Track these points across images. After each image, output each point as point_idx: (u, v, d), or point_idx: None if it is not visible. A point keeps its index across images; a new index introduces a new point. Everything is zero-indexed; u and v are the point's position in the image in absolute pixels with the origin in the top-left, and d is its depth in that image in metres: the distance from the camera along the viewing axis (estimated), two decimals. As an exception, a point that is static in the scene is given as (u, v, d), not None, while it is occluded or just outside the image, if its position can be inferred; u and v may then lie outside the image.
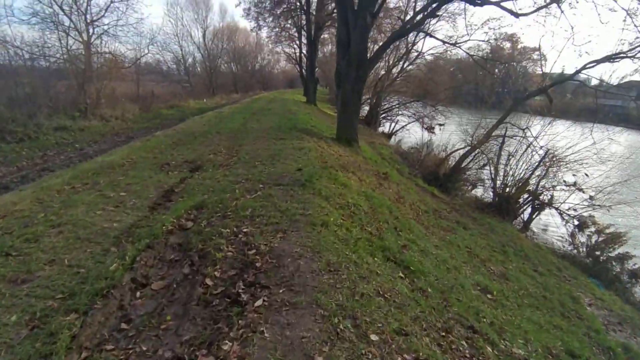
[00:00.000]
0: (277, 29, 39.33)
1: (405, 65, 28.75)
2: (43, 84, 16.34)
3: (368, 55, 11.88)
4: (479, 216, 8.83)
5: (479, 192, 13.51)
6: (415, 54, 27.81)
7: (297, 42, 41.16)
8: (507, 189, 10.02)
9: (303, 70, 42.83)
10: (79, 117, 15.84)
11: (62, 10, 21.57)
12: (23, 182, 8.07)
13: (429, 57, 30.08)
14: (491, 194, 10.76)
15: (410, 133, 27.26)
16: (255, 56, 58.89)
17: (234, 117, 13.81)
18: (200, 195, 4.41)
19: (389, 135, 26.12)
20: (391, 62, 30.52)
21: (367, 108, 33.53)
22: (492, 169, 10.73)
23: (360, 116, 33.32)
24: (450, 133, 23.41)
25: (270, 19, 31.00)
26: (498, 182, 10.34)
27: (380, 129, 30.16)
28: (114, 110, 18.30)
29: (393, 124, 28.11)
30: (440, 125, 28.80)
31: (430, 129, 28.82)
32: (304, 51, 42.88)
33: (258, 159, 6.70)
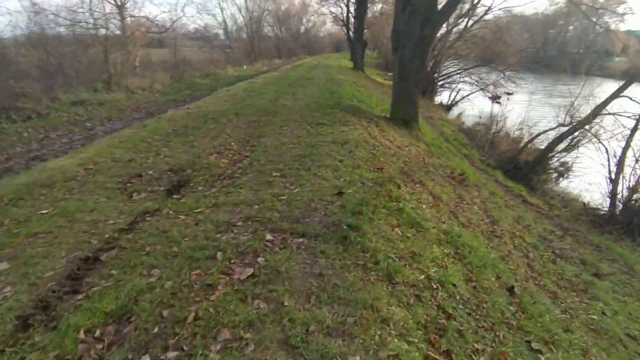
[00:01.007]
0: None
1: (469, 24, 24.43)
2: (70, 53, 14.93)
3: (438, 4, 8.87)
4: (597, 239, 6.03)
5: (572, 188, 10.34)
6: (483, 9, 23.39)
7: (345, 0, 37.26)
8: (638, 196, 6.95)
9: (350, 33, 39.06)
10: (102, 89, 14.32)
11: (93, -30, 19.94)
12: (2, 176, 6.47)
13: (498, 13, 25.43)
14: (606, 200, 7.64)
15: (472, 104, 23.48)
16: (299, 18, 55.32)
17: (266, 89, 11.46)
18: (135, 280, 2.23)
19: (448, 107, 22.57)
20: (452, 19, 26.20)
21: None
22: (610, 164, 7.54)
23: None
24: (521, 105, 19.57)
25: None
26: (623, 186, 7.22)
27: (437, 99, 26.49)
28: (142, 80, 16.66)
29: (452, 94, 24.34)
30: (509, 94, 24.67)
31: (496, 99, 24.81)
32: (352, 10, 38.89)
33: (279, 164, 4.38)
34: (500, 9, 24.53)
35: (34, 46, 14.76)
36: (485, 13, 23.02)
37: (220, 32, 37.91)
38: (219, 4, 36.28)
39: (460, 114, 21.15)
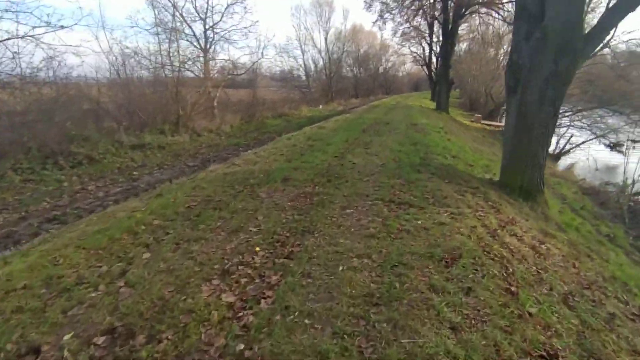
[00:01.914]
0: (403, 25, 34.02)
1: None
2: (148, 95, 14.71)
3: (584, 28, 6.09)
4: None
5: None
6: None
7: (427, 39, 35.16)
8: None
9: (432, 72, 36.53)
10: (169, 132, 13.60)
11: (183, 17, 20.54)
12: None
13: (619, 47, 20.98)
14: None
15: (585, 153, 19.01)
16: (379, 59, 54.39)
17: (334, 138, 9.37)
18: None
19: (556, 157, 18.47)
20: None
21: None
22: None
23: (502, 126, 25.88)
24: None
25: (397, 10, 26.00)
26: None
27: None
28: (210, 122, 15.90)
29: (559, 140, 20.10)
30: (634, 142, 19.69)
31: (616, 147, 19.98)
32: (435, 49, 36.55)
33: (326, 323, 2.06)
34: (623, 41, 20.12)
35: (118, 87, 14.87)
36: (605, 45, 18.91)
37: (301, 73, 38.03)
38: (300, 46, 36.21)
39: (571, 166, 16.97)
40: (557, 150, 18.88)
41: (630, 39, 19.21)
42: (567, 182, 12.25)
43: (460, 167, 7.34)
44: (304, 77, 38.15)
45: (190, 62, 21.08)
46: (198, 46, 21.66)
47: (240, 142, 13.50)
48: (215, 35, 22.75)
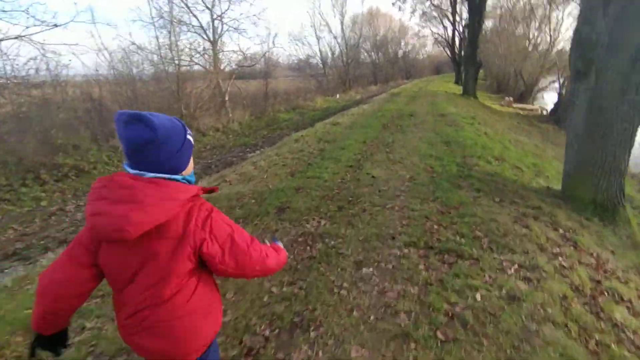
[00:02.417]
0: (424, 3, 31.63)
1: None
2: (149, 93, 13.62)
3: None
4: None
5: None
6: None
7: (450, 17, 32.65)
8: None
9: (455, 53, 34.03)
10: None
11: (188, 7, 19.29)
12: None
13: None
14: None
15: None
16: (397, 42, 51.79)
17: (349, 138, 7.87)
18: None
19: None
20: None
21: (551, 96, 23.46)
22: None
23: (536, 109, 23.27)
24: None
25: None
26: None
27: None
28: (218, 119, 14.68)
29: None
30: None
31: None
32: (458, 28, 33.95)
33: None
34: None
35: (116, 86, 13.85)
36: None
37: (316, 60, 36.31)
38: (315, 33, 34.40)
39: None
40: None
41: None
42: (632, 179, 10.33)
43: (508, 173, 5.77)
44: (320, 65, 36.42)
45: (198, 55, 19.97)
46: (205, 37, 20.45)
47: (248, 141, 12.22)
48: (224, 26, 21.50)
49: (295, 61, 37.11)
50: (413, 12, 31.58)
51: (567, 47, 25.78)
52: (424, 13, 32.57)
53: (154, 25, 12.99)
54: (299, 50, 34.62)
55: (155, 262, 1.01)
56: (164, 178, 1.01)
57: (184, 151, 1.07)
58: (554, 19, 25.78)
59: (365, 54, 45.72)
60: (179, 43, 15.74)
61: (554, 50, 26.07)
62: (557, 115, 19.21)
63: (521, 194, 4.88)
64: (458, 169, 5.47)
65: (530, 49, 29.09)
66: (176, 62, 13.47)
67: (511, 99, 23.55)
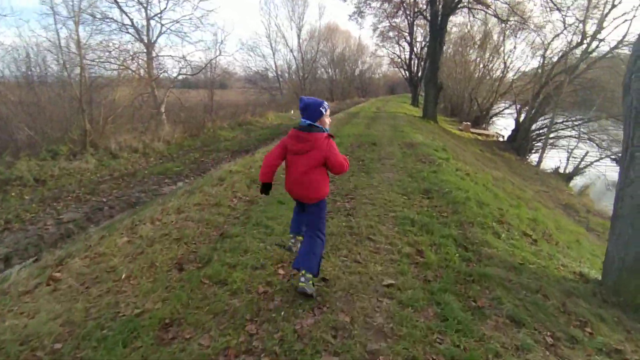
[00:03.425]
0: (383, 22, 30.71)
1: (580, 63, 17.48)
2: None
3: None
4: None
5: None
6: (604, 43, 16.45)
7: (408, 38, 32.01)
8: None
9: (413, 74, 33.40)
10: (68, 154, 9.44)
11: (117, 3, 16.25)
12: None
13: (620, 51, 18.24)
14: None
15: (596, 169, 16.11)
16: (355, 60, 51.10)
17: None
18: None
19: (568, 177, 15.43)
20: (556, 52, 19.45)
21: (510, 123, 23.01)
22: None
23: (493, 135, 22.64)
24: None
25: (377, 3, 22.59)
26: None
27: (532, 158, 19.35)
28: (138, 137, 11.77)
29: (564, 155, 17.13)
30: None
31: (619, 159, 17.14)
32: (415, 49, 33.45)
33: None
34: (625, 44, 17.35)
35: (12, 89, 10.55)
36: (619, 44, 16.04)
37: (271, 73, 34.03)
38: (271, 44, 32.21)
39: (585, 189, 13.94)
40: (567, 170, 15.87)
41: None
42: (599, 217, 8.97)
43: (526, 253, 3.75)
44: (275, 78, 34.20)
45: (129, 59, 16.91)
46: (137, 38, 17.39)
47: (172, 167, 9.51)
48: (162, 27, 18.57)
49: (249, 73, 34.56)
50: (374, 29, 30.47)
51: (520, 73, 25.73)
52: (382, 32, 31.65)
53: (55, 18, 9.91)
54: (250, 61, 32.08)
55: (309, 159, 2.41)
56: (315, 125, 2.44)
57: (318, 114, 2.44)
58: (508, 46, 25.69)
59: (322, 69, 44.32)
60: (90, 41, 12.72)
61: (508, 76, 25.94)
62: (517, 143, 18.41)
63: (566, 306, 2.83)
64: (461, 254, 3.34)
65: (484, 74, 28.99)
66: (81, 64, 10.40)
67: (469, 123, 22.75)
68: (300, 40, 34.14)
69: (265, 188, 2.65)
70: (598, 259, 5.00)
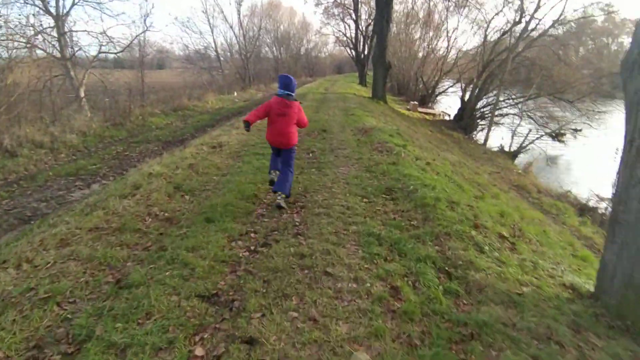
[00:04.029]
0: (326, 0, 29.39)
1: (523, 39, 17.74)
2: None
3: None
4: None
5: None
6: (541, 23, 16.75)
7: (353, 15, 31.00)
8: None
9: (361, 53, 32.63)
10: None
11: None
12: None
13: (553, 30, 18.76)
14: None
15: (535, 145, 16.65)
16: (300, 39, 49.30)
17: (227, 186, 4.42)
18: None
19: (514, 155, 15.71)
20: (495, 30, 19.65)
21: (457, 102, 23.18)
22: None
23: (439, 114, 22.79)
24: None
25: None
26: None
27: (478, 136, 19.68)
28: (45, 131, 9.77)
29: (507, 134, 17.48)
30: (576, 130, 17.95)
31: (558, 137, 18.06)
32: (361, 28, 32.59)
33: None
34: (562, 23, 17.84)
35: None
36: (556, 22, 16.35)
37: (210, 52, 31.40)
38: (208, 20, 29.53)
39: (529, 166, 14.26)
40: (512, 147, 16.17)
41: (580, 17, 16.95)
42: (563, 203, 8.97)
43: (514, 270, 3.09)
44: (215, 57, 31.68)
45: (32, 34, 14.24)
46: (43, 11, 14.60)
47: (86, 165, 7.88)
48: (74, -3, 15.77)
49: (186, 51, 31.58)
50: (318, 4, 29.04)
51: (464, 52, 25.94)
52: (325, 9, 30.32)
53: None
54: (186, 38, 29.31)
55: (288, 119, 3.75)
56: (292, 95, 3.81)
57: (294, 88, 3.84)
58: (452, 24, 25.71)
59: (267, 48, 42.17)
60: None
61: (451, 54, 26.12)
62: (464, 122, 18.53)
63: (583, 352, 2.18)
64: (445, 287, 2.56)
65: (428, 52, 29.01)
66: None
67: (416, 103, 22.61)
68: (241, 16, 31.77)
69: (247, 125, 3.68)
70: (573, 258, 4.58)
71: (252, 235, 3.22)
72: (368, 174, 5.12)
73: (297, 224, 3.45)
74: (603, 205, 9.76)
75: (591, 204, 9.72)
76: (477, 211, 4.41)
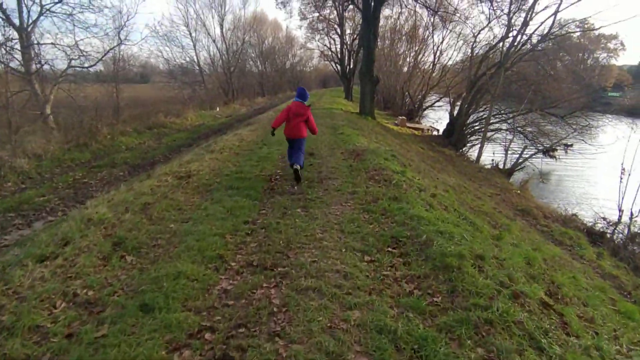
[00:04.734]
0: (312, 14, 28.82)
1: (512, 54, 17.27)
2: None
3: None
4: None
5: None
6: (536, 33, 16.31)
7: (338, 30, 30.50)
8: None
9: (345, 68, 32.06)
10: None
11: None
12: None
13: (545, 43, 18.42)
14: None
15: (531, 162, 16.04)
16: (285, 53, 48.67)
17: (183, 244, 3.34)
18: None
19: (509, 173, 14.99)
20: (483, 47, 19.24)
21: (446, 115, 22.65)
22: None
23: (428, 129, 22.22)
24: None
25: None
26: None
27: (469, 152, 19.04)
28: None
29: (498, 149, 16.85)
30: (568, 146, 17.47)
31: (549, 152, 17.52)
32: (347, 42, 32.12)
33: None
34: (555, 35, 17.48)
35: None
36: (544, 38, 15.91)
37: (192, 66, 30.29)
38: (190, 34, 28.52)
39: (525, 183, 13.54)
40: (506, 165, 15.48)
41: (568, 32, 16.64)
42: (574, 231, 8.13)
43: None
44: (197, 71, 30.56)
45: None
46: (5, 22, 13.32)
47: (33, 197, 6.65)
48: (42, 9, 14.57)
49: (176, 66, 30.31)
50: (302, 19, 28.45)
51: (451, 66, 25.59)
52: (310, 23, 29.74)
53: None
54: (167, 52, 28.21)
55: (302, 117, 5.58)
56: (305, 102, 5.67)
57: (307, 97, 5.76)
58: (437, 38, 25.41)
59: (252, 62, 41.30)
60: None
61: (438, 68, 25.74)
62: (454, 137, 17.86)
63: None
64: None
65: (414, 67, 28.63)
66: None
67: (404, 118, 21.95)
68: (224, 30, 30.88)
69: (273, 132, 5.65)
70: (617, 315, 3.66)
71: (207, 336, 2.14)
72: (367, 215, 4.11)
73: (274, 310, 2.38)
74: (610, 229, 9.01)
75: (599, 227, 8.95)
76: (507, 266, 3.44)
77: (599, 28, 20.43)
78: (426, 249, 3.28)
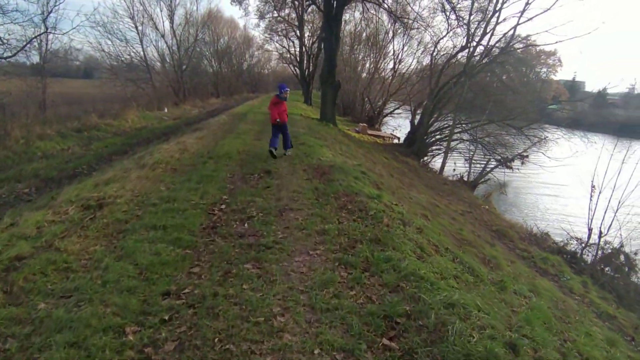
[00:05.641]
0: (269, 13, 27.45)
1: (473, 64, 17.14)
2: None
3: None
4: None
5: None
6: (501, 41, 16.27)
7: (297, 32, 29.37)
8: None
9: (305, 70, 30.95)
10: None
11: None
12: None
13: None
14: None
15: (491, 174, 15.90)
16: (242, 53, 46.66)
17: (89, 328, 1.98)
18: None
19: (473, 185, 14.62)
20: (443, 56, 19.06)
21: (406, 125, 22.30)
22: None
23: (389, 137, 21.74)
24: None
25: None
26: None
27: (432, 162, 18.70)
28: None
29: (459, 159, 16.58)
30: (523, 156, 17.68)
31: (506, 163, 17.59)
32: (306, 45, 31.08)
33: None
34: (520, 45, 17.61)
35: None
36: (504, 50, 15.86)
37: (137, 61, 27.57)
38: (136, 27, 25.89)
39: (489, 195, 13.21)
40: (471, 176, 15.14)
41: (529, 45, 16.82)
42: (554, 256, 7.55)
43: None
44: (142, 70, 27.89)
45: None
46: None
47: None
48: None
49: (124, 62, 27.30)
50: (261, 18, 26.96)
51: (412, 74, 25.39)
52: (269, 23, 28.37)
53: None
54: (109, 46, 25.42)
55: (282, 107, 7.23)
56: (286, 97, 7.29)
57: (285, 92, 7.24)
58: (398, 45, 25.14)
59: (206, 61, 38.87)
60: None
61: (398, 75, 25.46)
62: (416, 147, 17.38)
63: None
64: None
65: (374, 73, 28.23)
66: None
67: (365, 125, 21.27)
68: (174, 25, 28.54)
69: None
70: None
71: None
72: (344, 273, 2.95)
73: None
74: (580, 249, 8.66)
75: (571, 247, 8.55)
76: (536, 347, 2.45)
77: (555, 43, 21.07)
78: (440, 343, 2.17)
